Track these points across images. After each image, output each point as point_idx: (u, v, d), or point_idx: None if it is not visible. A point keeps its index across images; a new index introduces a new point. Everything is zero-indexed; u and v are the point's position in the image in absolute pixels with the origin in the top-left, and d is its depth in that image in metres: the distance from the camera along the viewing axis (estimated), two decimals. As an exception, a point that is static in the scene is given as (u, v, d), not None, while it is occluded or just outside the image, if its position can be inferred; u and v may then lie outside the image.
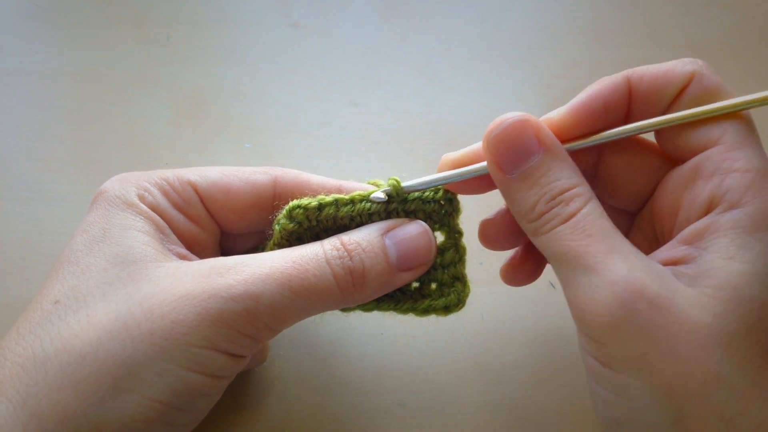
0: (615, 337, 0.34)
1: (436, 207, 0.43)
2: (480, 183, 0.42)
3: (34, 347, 0.36)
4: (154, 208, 0.42)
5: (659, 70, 0.38)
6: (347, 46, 0.73)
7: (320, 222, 0.42)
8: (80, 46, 0.71)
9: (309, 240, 0.43)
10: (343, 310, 0.44)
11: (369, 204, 0.42)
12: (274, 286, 0.37)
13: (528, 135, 0.37)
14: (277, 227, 0.43)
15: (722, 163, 0.35)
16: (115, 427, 0.35)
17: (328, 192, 0.44)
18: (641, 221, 0.43)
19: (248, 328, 0.37)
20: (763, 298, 0.32)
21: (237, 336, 0.37)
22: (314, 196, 0.43)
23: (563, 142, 0.39)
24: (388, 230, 0.42)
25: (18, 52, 0.70)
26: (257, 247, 0.49)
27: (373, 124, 0.67)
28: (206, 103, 0.67)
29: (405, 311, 0.45)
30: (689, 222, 0.36)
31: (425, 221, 0.43)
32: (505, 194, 0.39)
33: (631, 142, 0.41)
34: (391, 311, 0.45)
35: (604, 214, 0.36)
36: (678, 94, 0.38)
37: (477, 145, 0.41)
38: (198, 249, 0.44)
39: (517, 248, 0.46)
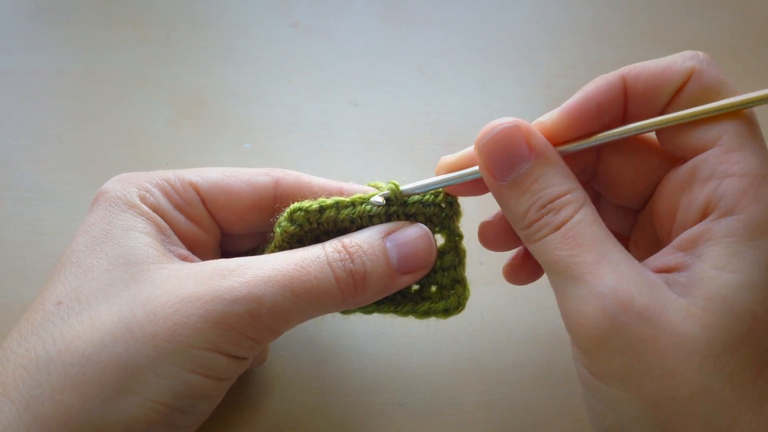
0: (602, 350, 0.33)
1: (436, 210, 0.43)
2: (478, 185, 0.41)
3: (37, 348, 0.36)
4: (156, 209, 0.42)
5: (656, 68, 0.36)
6: (347, 46, 0.73)
7: (321, 224, 0.43)
8: (80, 46, 0.71)
9: (310, 242, 0.43)
10: (344, 312, 0.44)
11: (369, 206, 0.42)
12: (276, 288, 0.38)
13: (518, 141, 0.36)
14: (278, 230, 0.43)
15: (719, 167, 0.34)
16: (118, 429, 0.35)
17: (329, 194, 0.44)
18: (642, 220, 0.42)
19: (250, 330, 0.37)
20: (755, 309, 0.31)
21: (239, 338, 0.37)
22: (315, 198, 0.43)
23: (557, 145, 0.38)
24: (389, 233, 0.42)
25: (18, 52, 0.70)
26: (257, 248, 0.49)
27: (373, 124, 0.67)
28: (206, 103, 0.67)
29: (405, 314, 0.45)
30: (685, 227, 0.35)
31: (426, 224, 0.43)
32: (498, 201, 0.39)
33: (629, 141, 0.41)
34: (392, 314, 0.45)
35: (597, 220, 0.36)
36: (676, 92, 0.36)
37: None
38: (199, 250, 0.44)
39: (518, 248, 0.46)
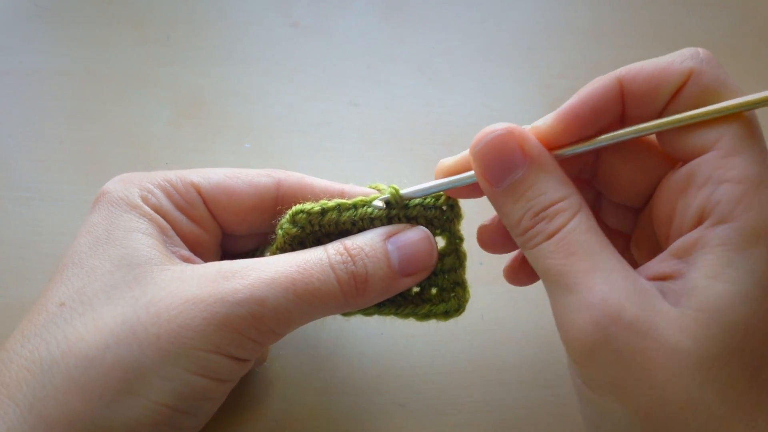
0: (592, 361, 0.33)
1: (437, 213, 0.43)
2: (477, 188, 0.41)
3: (41, 350, 0.36)
4: (158, 210, 0.42)
5: (654, 69, 0.35)
6: (347, 46, 0.73)
7: (323, 227, 0.43)
8: (80, 46, 0.71)
9: (311, 244, 0.43)
10: (344, 314, 0.45)
11: (371, 209, 0.42)
12: (279, 290, 0.38)
13: (512, 148, 0.36)
14: (280, 232, 0.43)
15: (715, 172, 0.33)
16: (122, 431, 0.35)
17: (331, 196, 0.44)
18: (643, 219, 0.42)
19: (253, 332, 0.38)
20: (748, 320, 0.31)
21: (242, 340, 0.37)
22: (317, 200, 0.43)
23: (553, 149, 0.37)
24: (390, 235, 0.42)
25: (18, 52, 0.70)
26: (258, 248, 0.49)
27: (373, 124, 0.67)
28: (206, 103, 0.67)
29: (405, 316, 0.45)
30: (682, 232, 0.35)
31: (426, 227, 0.43)
32: (494, 206, 0.39)
33: (628, 141, 0.40)
34: (392, 316, 0.45)
35: (592, 227, 0.35)
36: (675, 93, 0.35)
37: None
38: (200, 250, 0.44)
39: (517, 250, 0.46)
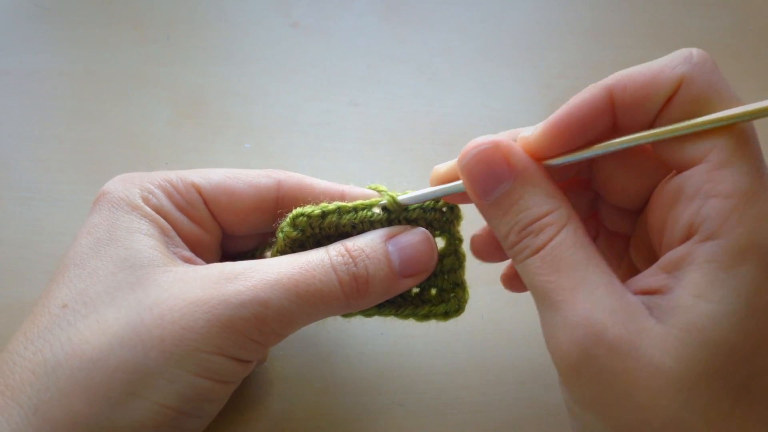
0: (577, 379, 0.33)
1: (437, 215, 0.43)
2: None
3: (44, 352, 0.36)
4: (159, 211, 0.42)
5: (644, 78, 0.34)
6: (347, 46, 0.73)
7: (323, 229, 0.43)
8: (80, 46, 0.71)
9: (311, 246, 0.43)
10: (345, 315, 0.45)
11: (371, 212, 0.43)
12: (281, 291, 0.38)
13: (497, 161, 0.36)
14: (280, 235, 0.43)
15: (704, 185, 0.32)
16: None
17: (332, 197, 0.45)
18: (641, 224, 0.42)
19: (256, 334, 0.38)
20: (733, 340, 0.30)
21: (246, 342, 0.38)
22: (317, 202, 0.43)
23: (543, 159, 0.37)
24: (390, 237, 0.42)
25: (18, 52, 0.70)
26: (257, 248, 0.49)
27: (373, 124, 0.67)
28: (206, 103, 0.67)
29: (405, 317, 0.45)
30: (671, 245, 0.34)
31: (426, 228, 0.43)
32: (484, 218, 0.39)
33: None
34: (392, 316, 0.45)
35: (579, 240, 0.34)
36: (666, 101, 0.34)
37: None
38: (201, 251, 0.44)
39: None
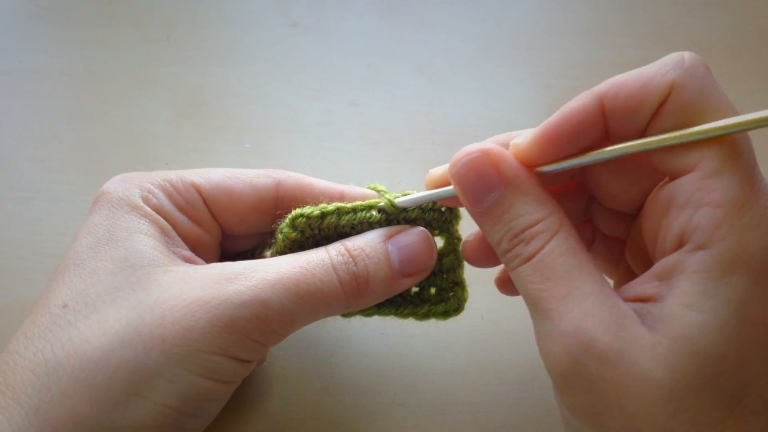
0: (568, 388, 0.33)
1: (436, 215, 0.44)
2: None
3: (45, 352, 0.36)
4: (159, 211, 0.42)
5: (635, 86, 0.34)
6: (347, 46, 0.73)
7: (322, 230, 0.43)
8: (80, 46, 0.71)
9: (310, 247, 0.43)
10: (345, 315, 0.45)
11: (369, 213, 0.43)
12: (282, 291, 0.38)
13: (487, 170, 0.36)
14: (280, 236, 0.43)
15: (694, 194, 0.32)
16: None
17: (331, 197, 0.45)
18: (636, 229, 0.42)
19: (257, 334, 0.38)
20: (723, 350, 0.30)
21: (246, 341, 0.38)
22: (316, 202, 0.43)
23: (534, 166, 0.37)
24: (390, 236, 0.42)
25: (18, 52, 0.70)
26: (256, 248, 0.49)
27: (373, 124, 0.67)
28: (206, 103, 0.67)
29: (405, 316, 0.45)
30: (664, 253, 0.34)
31: (425, 227, 0.43)
32: (477, 225, 0.39)
33: None
34: (392, 316, 0.45)
35: (570, 248, 0.34)
36: (657, 108, 0.33)
37: None
38: (201, 250, 0.44)
39: None
